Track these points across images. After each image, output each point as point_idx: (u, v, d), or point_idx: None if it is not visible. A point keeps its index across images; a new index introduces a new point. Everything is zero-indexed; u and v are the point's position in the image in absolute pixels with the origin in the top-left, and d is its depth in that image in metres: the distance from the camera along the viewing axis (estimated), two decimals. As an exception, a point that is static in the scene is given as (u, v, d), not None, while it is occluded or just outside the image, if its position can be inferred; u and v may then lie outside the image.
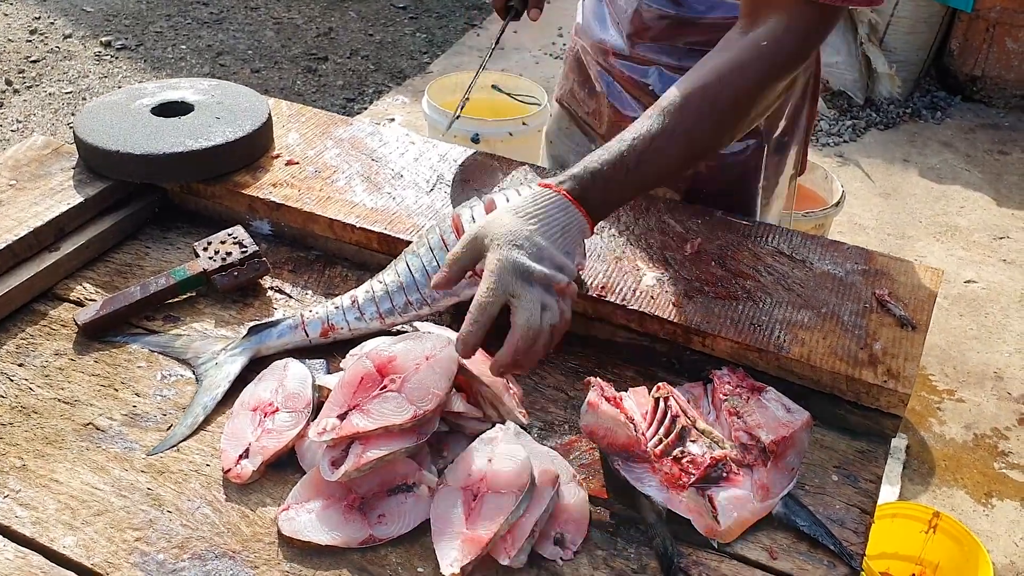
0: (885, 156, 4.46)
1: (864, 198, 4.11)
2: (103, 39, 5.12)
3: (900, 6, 4.65)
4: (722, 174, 1.57)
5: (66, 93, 4.60)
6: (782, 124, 1.59)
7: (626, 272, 1.32)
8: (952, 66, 4.95)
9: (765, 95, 1.20)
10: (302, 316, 1.26)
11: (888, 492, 2.64)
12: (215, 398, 1.18)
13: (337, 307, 1.26)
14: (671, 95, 1.15)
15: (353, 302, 1.26)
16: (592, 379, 1.13)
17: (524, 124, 3.36)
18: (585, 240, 1.15)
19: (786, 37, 1.15)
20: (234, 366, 1.22)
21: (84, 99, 4.55)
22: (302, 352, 1.24)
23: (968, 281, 3.61)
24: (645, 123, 1.14)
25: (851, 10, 4.59)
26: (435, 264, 1.23)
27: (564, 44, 5.24)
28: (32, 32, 5.15)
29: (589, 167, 1.12)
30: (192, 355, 1.25)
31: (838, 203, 3.09)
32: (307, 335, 1.25)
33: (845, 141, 4.55)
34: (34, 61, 4.87)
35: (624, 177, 1.12)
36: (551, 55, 5.23)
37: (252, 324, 1.26)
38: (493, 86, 3.73)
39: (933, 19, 4.76)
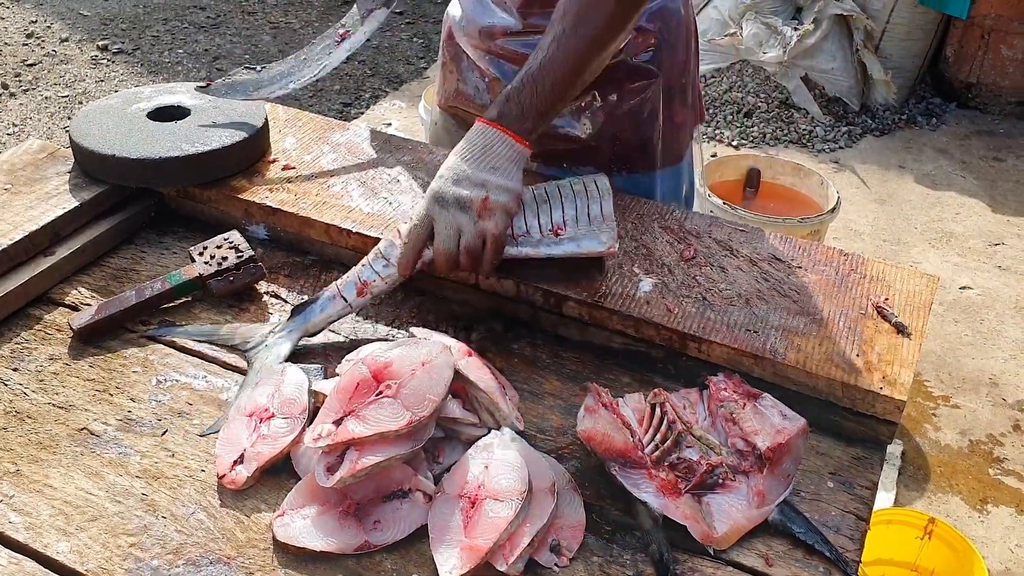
0: (881, 162, 4.47)
1: (860, 204, 4.12)
2: (100, 43, 5.12)
3: (896, 13, 4.66)
4: (625, 117, 1.56)
5: (62, 97, 4.59)
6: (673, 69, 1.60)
7: (623, 277, 1.32)
8: (947, 73, 4.96)
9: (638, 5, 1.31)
10: (336, 285, 1.28)
11: (884, 498, 2.64)
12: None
13: (364, 264, 1.28)
14: (560, 6, 1.28)
15: (376, 254, 1.28)
16: (589, 384, 1.13)
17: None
18: (522, 169, 1.26)
19: None
20: (285, 347, 1.24)
21: (80, 103, 4.54)
22: (299, 357, 1.24)
23: (964, 287, 3.62)
24: (543, 38, 1.27)
25: (847, 17, 4.60)
26: None
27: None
28: (28, 36, 5.15)
29: (504, 91, 1.26)
30: (240, 340, 1.27)
31: (834, 209, 3.09)
32: (346, 300, 1.27)
33: (841, 147, 4.56)
34: (30, 65, 4.86)
35: (533, 86, 1.25)
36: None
37: (295, 305, 1.28)
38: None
39: (928, 26, 4.77)
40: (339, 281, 1.29)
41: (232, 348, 1.27)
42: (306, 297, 1.36)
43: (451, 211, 1.20)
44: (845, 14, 4.64)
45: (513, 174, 1.24)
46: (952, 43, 4.88)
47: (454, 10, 1.66)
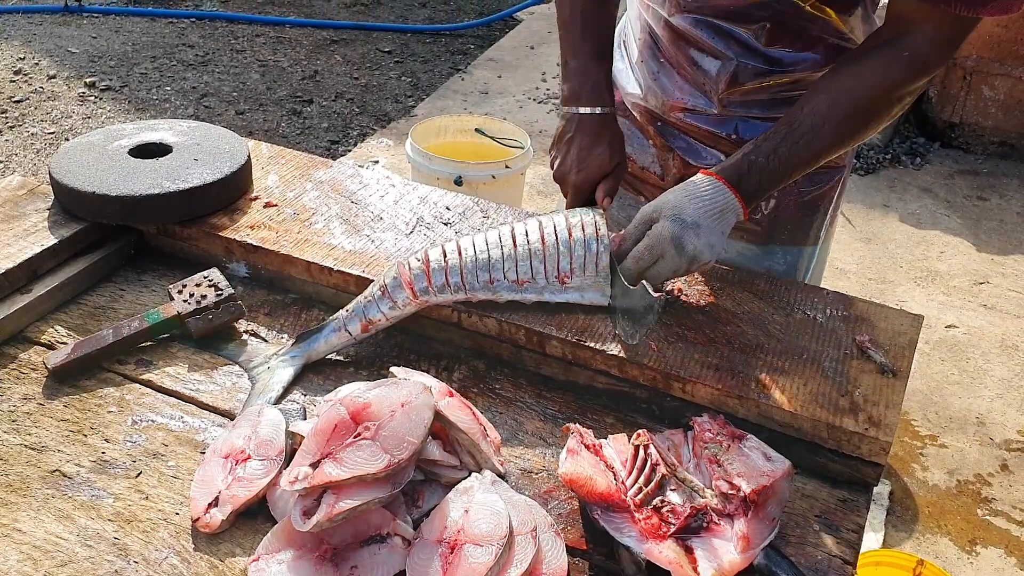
0: (866, 201, 4.49)
1: (845, 243, 4.13)
2: (87, 80, 5.12)
3: (879, 54, 4.71)
4: (804, 205, 1.61)
5: (49, 133, 4.59)
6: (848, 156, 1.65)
7: (606, 317, 1.31)
8: (931, 113, 5.02)
9: (902, 99, 1.32)
10: (341, 316, 1.30)
11: (872, 539, 2.62)
12: (269, 401, 1.21)
13: (369, 299, 1.30)
14: (819, 97, 1.31)
15: (383, 291, 1.29)
16: (571, 426, 1.11)
17: (507, 167, 3.37)
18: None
19: (926, 46, 1.27)
20: (287, 372, 1.27)
21: (67, 139, 4.53)
22: (295, 380, 1.23)
23: (949, 326, 3.62)
24: (795, 120, 1.30)
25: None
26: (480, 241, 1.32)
27: (548, 89, 5.29)
28: (16, 72, 5.16)
29: (747, 158, 1.30)
30: (244, 358, 1.30)
31: (819, 248, 3.09)
32: (350, 334, 1.29)
33: (826, 186, 4.58)
34: (17, 101, 4.86)
35: (776, 168, 1.30)
36: (534, 100, 5.26)
37: (300, 333, 1.32)
38: (477, 129, 3.74)
39: (911, 67, 4.82)
40: (343, 313, 1.31)
41: (235, 364, 1.29)
42: (285, 337, 1.35)
43: (682, 259, 1.26)
44: (829, 55, 4.69)
45: (724, 240, 1.31)
46: (935, 84, 4.93)
47: (626, 83, 1.66)
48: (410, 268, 1.29)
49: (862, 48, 1.34)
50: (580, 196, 1.44)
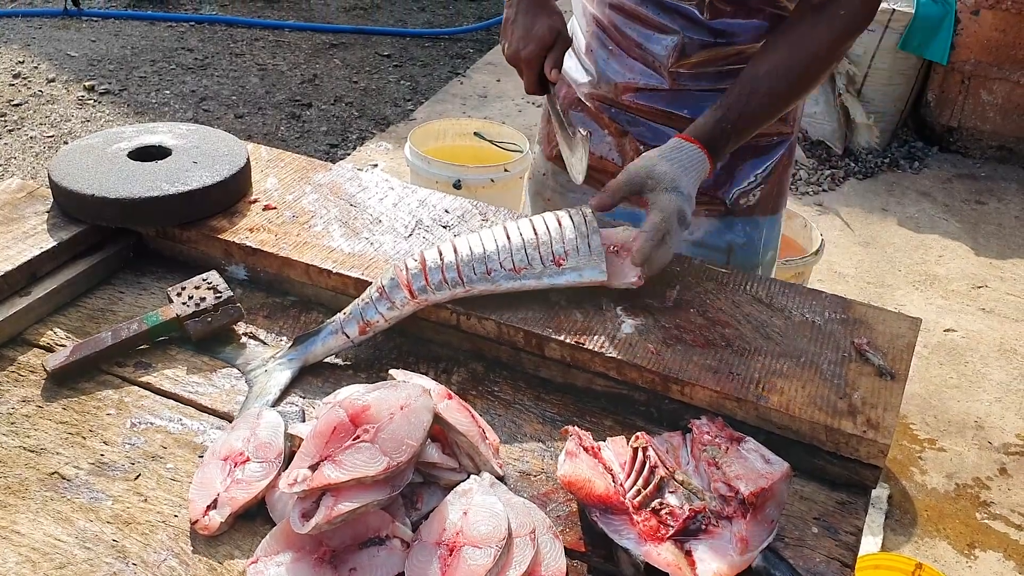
0: (864, 205, 4.50)
1: (843, 247, 4.14)
2: (87, 83, 5.13)
3: (877, 58, 4.72)
4: (764, 173, 1.66)
5: (48, 137, 4.59)
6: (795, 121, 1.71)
7: (605, 319, 1.31)
8: (929, 117, 5.02)
9: (843, 53, 1.47)
10: (339, 319, 1.30)
11: (870, 543, 2.62)
12: (267, 404, 1.21)
13: (367, 301, 1.30)
14: (774, 56, 1.42)
15: (381, 293, 1.29)
16: (570, 428, 1.11)
17: (506, 170, 3.37)
18: None
19: (858, 3, 1.40)
20: (284, 375, 1.27)
21: (66, 142, 4.54)
22: (292, 386, 1.23)
23: (947, 330, 3.63)
24: (755, 81, 1.40)
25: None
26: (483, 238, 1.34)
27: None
28: (15, 76, 5.16)
29: (720, 124, 1.39)
30: (242, 361, 1.30)
31: (817, 251, 3.10)
32: (348, 337, 1.30)
33: (824, 190, 4.59)
34: (16, 104, 4.87)
35: (742, 128, 1.40)
36: (533, 104, 5.27)
37: (297, 336, 1.31)
38: (476, 133, 3.75)
39: (910, 71, 4.84)
40: (341, 316, 1.31)
41: (233, 366, 1.29)
42: (284, 339, 1.35)
43: (683, 229, 1.35)
44: (827, 59, 4.69)
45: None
46: (933, 88, 4.95)
47: (577, 74, 1.71)
48: (407, 269, 1.30)
49: (800, 11, 1.44)
50: (532, 70, 1.53)
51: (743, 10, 1.50)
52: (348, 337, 1.30)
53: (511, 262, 1.31)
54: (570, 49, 1.73)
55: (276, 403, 1.23)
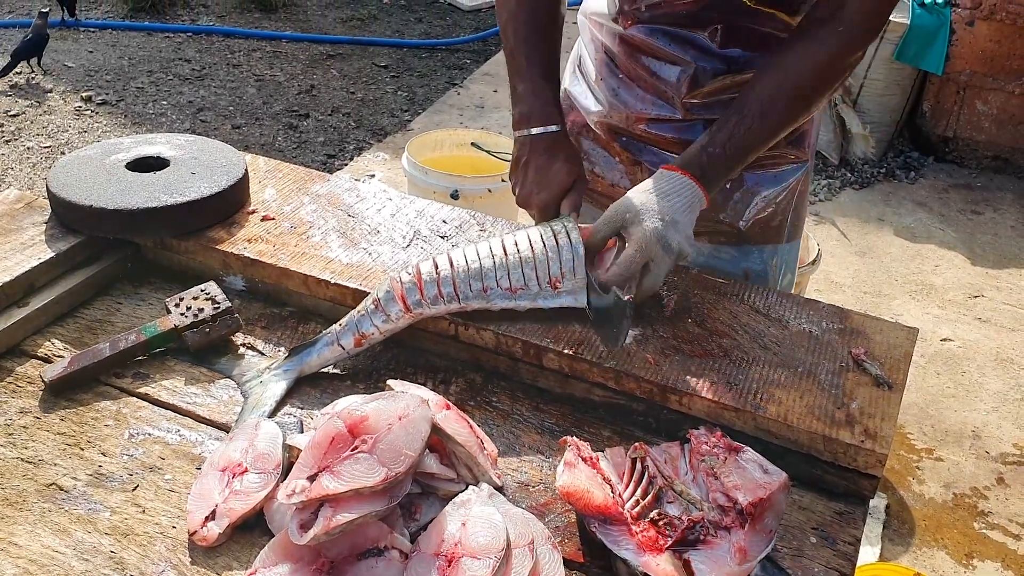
0: (860, 215, 4.51)
1: (840, 256, 4.14)
2: (84, 94, 5.13)
3: (873, 69, 4.74)
4: (779, 198, 1.63)
5: (45, 147, 4.59)
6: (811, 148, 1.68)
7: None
8: (925, 127, 5.04)
9: (841, 73, 1.41)
10: (335, 330, 1.30)
11: (869, 553, 2.61)
12: (262, 415, 1.21)
13: (363, 313, 1.30)
14: (764, 81, 1.37)
15: (376, 305, 1.29)
16: (568, 439, 1.11)
17: (503, 181, 3.38)
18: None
19: (857, 20, 1.34)
20: (279, 386, 1.26)
21: (63, 153, 4.54)
22: (286, 398, 1.23)
23: (944, 339, 3.63)
24: (745, 106, 1.36)
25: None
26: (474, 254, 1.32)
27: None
28: (12, 86, 5.16)
29: (706, 150, 1.35)
30: (237, 372, 1.30)
31: (814, 261, 3.11)
32: (343, 348, 1.29)
33: (821, 200, 4.60)
34: (13, 115, 4.87)
35: (732, 154, 1.36)
36: (531, 113, 5.27)
37: (293, 347, 1.31)
38: (473, 143, 3.75)
39: (905, 81, 4.86)
40: (337, 327, 1.31)
41: (228, 378, 1.29)
42: (282, 349, 1.35)
43: (670, 258, 1.30)
44: (823, 70, 4.70)
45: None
46: (929, 98, 4.96)
47: (587, 101, 1.67)
48: (402, 282, 1.30)
49: (798, 29, 1.40)
50: (546, 216, 1.45)
51: (755, 38, 1.47)
52: (343, 349, 1.30)
53: (508, 281, 1.31)
54: (579, 73, 1.71)
55: (272, 414, 1.23)
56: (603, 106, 1.63)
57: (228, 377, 1.30)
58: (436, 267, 1.31)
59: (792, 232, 1.68)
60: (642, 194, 1.33)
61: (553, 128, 1.47)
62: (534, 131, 1.47)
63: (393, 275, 1.32)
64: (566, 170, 1.44)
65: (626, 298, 1.25)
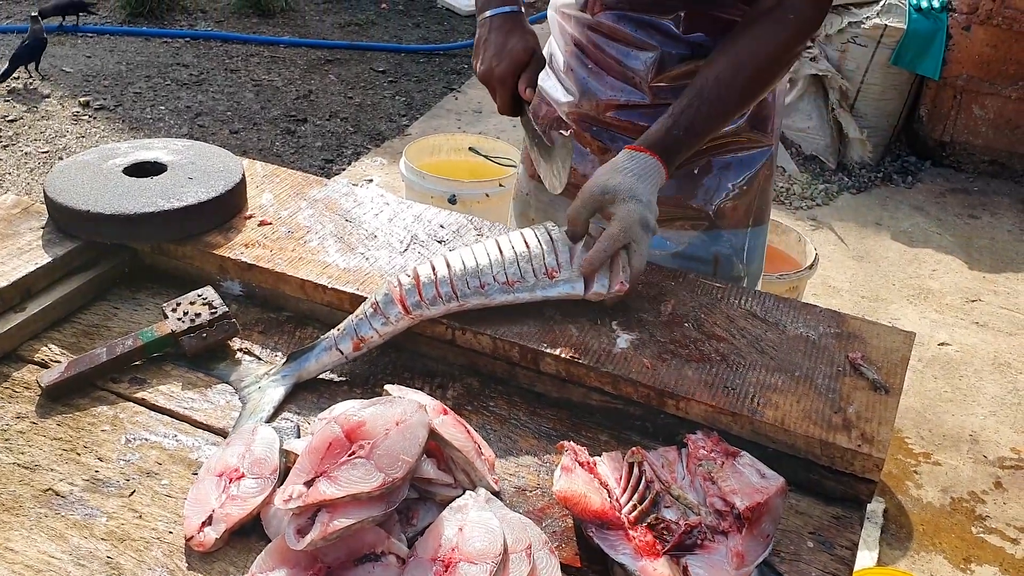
0: (858, 219, 4.51)
1: (838, 261, 4.15)
2: (82, 99, 5.14)
3: (870, 73, 4.75)
4: (744, 182, 1.66)
5: (43, 152, 4.59)
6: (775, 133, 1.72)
7: (600, 334, 1.32)
8: (922, 132, 5.05)
9: (794, 58, 1.49)
10: (333, 335, 1.30)
11: (866, 557, 2.61)
12: (260, 421, 1.21)
13: (361, 317, 1.30)
14: (721, 63, 1.42)
15: (375, 309, 1.29)
16: (566, 443, 1.11)
17: (501, 185, 3.38)
18: None
19: (805, 7, 1.41)
20: (277, 392, 1.26)
21: (61, 158, 4.54)
22: (283, 404, 1.23)
23: (942, 344, 3.63)
24: (704, 89, 1.41)
25: (823, 77, 4.68)
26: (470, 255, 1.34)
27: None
28: (10, 91, 5.16)
29: (671, 132, 1.40)
30: (235, 378, 1.30)
31: (811, 266, 3.11)
32: (342, 352, 1.29)
33: (818, 205, 4.60)
34: (11, 120, 4.87)
35: (693, 134, 1.41)
36: (528, 118, 5.28)
37: (292, 352, 1.31)
38: (470, 148, 3.76)
39: (902, 86, 4.87)
40: (335, 332, 1.31)
41: (226, 383, 1.29)
42: (279, 354, 1.35)
43: (648, 235, 1.35)
44: (820, 74, 4.72)
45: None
46: (925, 103, 4.97)
47: (557, 93, 1.72)
48: (400, 284, 1.30)
49: (752, 15, 1.45)
50: (505, 88, 1.51)
51: (718, 24, 1.52)
52: (342, 353, 1.30)
53: (504, 275, 1.32)
54: (549, 69, 1.74)
55: (270, 420, 1.23)
56: (573, 96, 1.68)
57: (226, 383, 1.30)
58: (434, 269, 1.32)
59: (759, 216, 1.72)
60: (615, 174, 1.37)
61: (508, 8, 1.54)
62: (491, 13, 1.54)
63: (391, 278, 1.32)
64: (522, 45, 1.50)
65: (567, 133, 1.36)
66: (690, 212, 1.65)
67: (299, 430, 1.19)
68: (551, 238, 1.37)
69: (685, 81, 1.54)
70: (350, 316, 1.32)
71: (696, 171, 1.62)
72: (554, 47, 1.75)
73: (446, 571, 0.96)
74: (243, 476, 1.09)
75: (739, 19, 1.50)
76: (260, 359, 1.34)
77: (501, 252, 1.34)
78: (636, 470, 1.10)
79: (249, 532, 1.06)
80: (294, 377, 1.29)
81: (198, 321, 1.32)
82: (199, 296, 1.36)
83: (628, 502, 1.06)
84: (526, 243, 1.36)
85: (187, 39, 6.16)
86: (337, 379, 1.32)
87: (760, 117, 1.63)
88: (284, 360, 1.31)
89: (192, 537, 1.04)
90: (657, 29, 1.55)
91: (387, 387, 1.19)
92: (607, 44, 1.60)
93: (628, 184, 1.35)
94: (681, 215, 1.65)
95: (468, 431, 1.13)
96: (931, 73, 4.74)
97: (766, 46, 1.43)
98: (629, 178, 1.36)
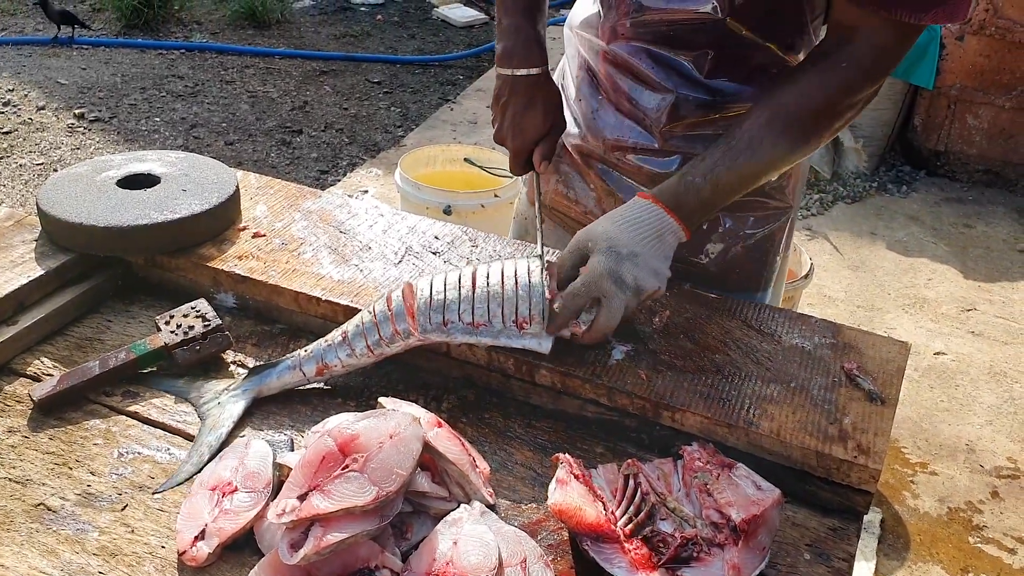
0: (853, 229, 4.52)
1: (833, 271, 4.15)
2: (76, 111, 5.13)
3: (864, 83, 4.75)
4: (752, 248, 1.58)
5: (37, 164, 4.58)
6: (796, 194, 1.61)
7: (595, 345, 1.31)
8: (916, 141, 5.06)
9: (842, 113, 1.29)
10: (299, 356, 1.28)
11: (864, 568, 2.60)
12: (219, 437, 1.20)
13: (329, 344, 1.28)
14: (757, 113, 1.27)
15: (344, 338, 1.27)
16: (561, 456, 1.11)
17: (496, 196, 3.38)
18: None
19: (868, 56, 1.23)
20: (236, 406, 1.25)
21: (55, 170, 4.53)
22: (267, 427, 1.22)
23: (937, 353, 3.63)
24: (733, 138, 1.27)
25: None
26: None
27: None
28: (5, 104, 5.16)
29: (684, 179, 1.27)
30: (195, 394, 1.28)
31: (807, 276, 3.11)
32: (304, 374, 1.28)
33: (813, 214, 4.61)
34: (6, 132, 4.86)
35: (714, 187, 1.27)
36: (524, 129, 5.28)
37: (253, 366, 1.29)
38: (466, 159, 3.76)
39: (896, 96, 4.88)
40: (302, 352, 1.29)
41: (186, 400, 1.28)
42: (274, 367, 1.34)
43: (627, 294, 1.22)
44: (815, 84, 4.72)
45: (668, 264, 1.28)
46: (920, 112, 4.99)
47: (569, 127, 1.63)
48: (363, 322, 1.27)
49: (803, 61, 1.32)
50: (519, 159, 1.48)
51: (744, 70, 1.40)
52: (304, 375, 1.28)
53: (471, 315, 1.24)
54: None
55: (230, 435, 1.21)
56: (580, 129, 1.59)
57: (186, 400, 1.28)
58: (389, 303, 1.26)
59: (771, 279, 1.64)
60: (606, 222, 1.26)
61: (534, 71, 1.47)
62: (517, 73, 1.46)
63: (365, 310, 1.29)
64: (542, 117, 1.45)
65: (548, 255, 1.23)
66: (691, 268, 1.55)
67: (292, 443, 1.19)
68: (530, 282, 1.25)
69: (700, 131, 1.45)
70: (320, 340, 1.30)
71: (704, 226, 1.51)
72: (566, 69, 1.66)
73: (440, 585, 0.96)
74: (236, 490, 1.08)
75: (769, 68, 1.40)
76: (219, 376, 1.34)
77: (474, 286, 1.25)
78: (632, 482, 1.09)
79: (242, 546, 1.05)
80: (254, 391, 1.27)
81: (191, 334, 1.31)
82: (192, 309, 1.36)
83: (624, 515, 1.06)
84: (502, 282, 1.25)
85: (182, 51, 6.17)
86: (330, 391, 1.32)
87: (780, 178, 1.49)
88: (246, 375, 1.29)
89: (185, 552, 1.03)
90: (675, 70, 1.42)
91: (381, 400, 1.18)
92: (620, 77, 1.48)
93: (610, 234, 1.24)
94: (681, 270, 1.49)
95: (463, 444, 1.13)
96: (925, 83, 4.75)
97: (809, 98, 1.26)
98: (614, 227, 1.24)
